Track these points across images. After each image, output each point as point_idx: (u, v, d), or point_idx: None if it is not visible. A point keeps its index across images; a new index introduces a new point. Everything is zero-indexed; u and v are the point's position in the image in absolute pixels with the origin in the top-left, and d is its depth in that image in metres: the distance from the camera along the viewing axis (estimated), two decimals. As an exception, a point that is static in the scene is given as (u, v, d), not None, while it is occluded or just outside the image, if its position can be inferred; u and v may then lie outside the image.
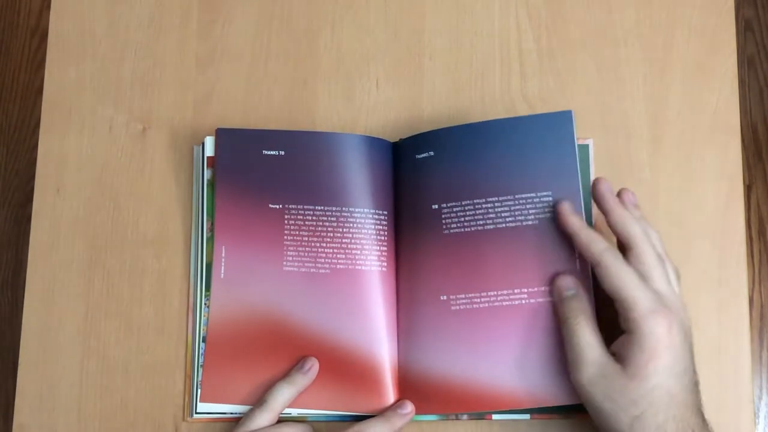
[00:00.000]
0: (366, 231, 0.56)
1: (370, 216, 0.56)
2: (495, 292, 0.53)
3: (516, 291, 0.53)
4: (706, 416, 0.48)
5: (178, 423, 0.57)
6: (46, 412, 0.57)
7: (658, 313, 0.47)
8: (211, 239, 0.57)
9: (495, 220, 0.54)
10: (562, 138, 0.54)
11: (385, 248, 0.56)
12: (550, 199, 0.53)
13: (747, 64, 1.27)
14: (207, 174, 0.58)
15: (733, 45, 0.61)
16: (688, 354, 0.48)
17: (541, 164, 0.54)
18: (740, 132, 0.60)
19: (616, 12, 0.62)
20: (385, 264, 0.56)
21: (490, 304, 0.53)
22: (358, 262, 0.55)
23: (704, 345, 0.57)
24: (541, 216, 0.53)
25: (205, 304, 0.57)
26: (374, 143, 0.57)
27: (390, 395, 0.54)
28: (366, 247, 0.56)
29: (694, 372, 0.49)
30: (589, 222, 0.58)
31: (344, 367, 0.55)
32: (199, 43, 0.63)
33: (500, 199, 0.54)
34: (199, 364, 0.56)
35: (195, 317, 0.57)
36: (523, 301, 0.53)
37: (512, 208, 0.54)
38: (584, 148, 0.59)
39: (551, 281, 0.53)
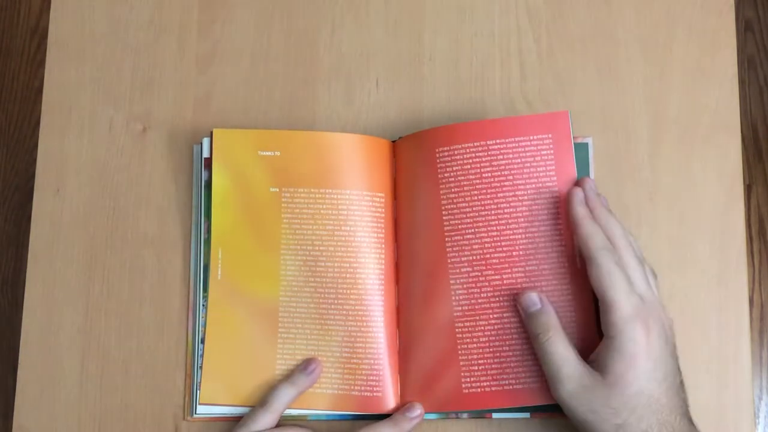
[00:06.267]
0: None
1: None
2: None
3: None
4: (694, 418, 0.48)
5: (178, 423, 0.57)
6: (46, 412, 0.57)
7: (638, 318, 0.47)
8: (208, 240, 0.57)
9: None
10: None
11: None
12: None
13: (747, 64, 1.27)
14: (204, 175, 0.58)
15: (733, 45, 0.61)
16: (669, 358, 0.48)
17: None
18: (740, 132, 0.60)
19: (616, 12, 0.62)
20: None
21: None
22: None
23: (704, 345, 0.57)
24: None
25: (203, 305, 0.57)
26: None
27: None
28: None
29: (678, 374, 0.48)
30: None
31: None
32: (199, 43, 0.63)
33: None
34: (198, 365, 0.56)
35: (195, 317, 0.57)
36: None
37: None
38: (583, 146, 0.59)
39: (516, 299, 0.52)
